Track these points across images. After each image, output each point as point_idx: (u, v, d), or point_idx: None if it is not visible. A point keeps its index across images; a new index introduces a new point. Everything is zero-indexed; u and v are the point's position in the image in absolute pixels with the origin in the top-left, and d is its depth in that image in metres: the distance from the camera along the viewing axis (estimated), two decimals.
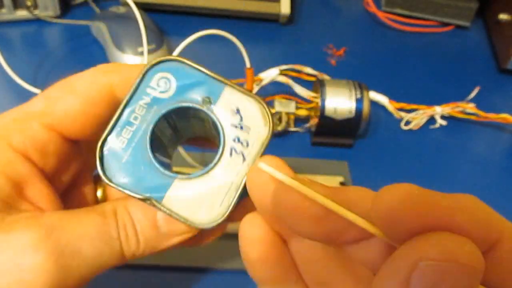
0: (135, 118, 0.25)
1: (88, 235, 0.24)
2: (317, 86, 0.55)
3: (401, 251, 0.15)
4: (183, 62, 0.25)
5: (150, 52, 0.58)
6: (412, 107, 0.59)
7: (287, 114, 0.54)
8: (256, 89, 0.57)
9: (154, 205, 0.25)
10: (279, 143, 0.55)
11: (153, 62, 0.25)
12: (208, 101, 0.25)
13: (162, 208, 0.25)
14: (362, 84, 0.53)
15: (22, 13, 0.64)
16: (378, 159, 0.55)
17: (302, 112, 0.55)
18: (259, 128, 0.25)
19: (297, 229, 0.19)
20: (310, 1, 0.76)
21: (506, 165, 0.56)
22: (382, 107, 0.59)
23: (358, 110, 0.52)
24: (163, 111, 0.25)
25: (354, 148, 0.56)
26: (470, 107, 0.58)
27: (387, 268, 0.15)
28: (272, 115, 0.25)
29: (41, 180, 0.26)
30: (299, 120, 0.56)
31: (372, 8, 0.72)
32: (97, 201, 0.31)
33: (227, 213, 0.25)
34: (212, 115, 0.25)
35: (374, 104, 0.59)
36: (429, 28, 0.73)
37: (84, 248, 0.24)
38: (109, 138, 0.25)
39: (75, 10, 0.68)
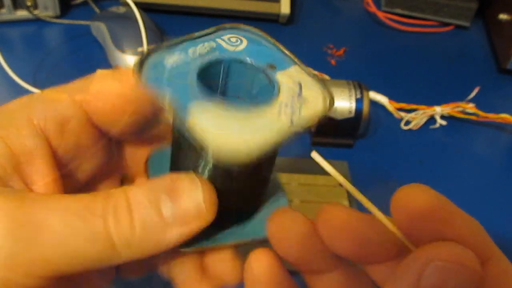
0: (193, 53, 0.23)
1: (61, 209, 0.20)
2: None
3: (415, 254, 0.18)
4: (261, 36, 0.25)
5: None
6: (412, 107, 0.59)
7: None
8: None
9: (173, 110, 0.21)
10: None
11: (231, 25, 0.25)
12: (272, 67, 0.24)
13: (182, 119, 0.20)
14: (362, 84, 0.53)
15: (22, 13, 0.64)
16: (378, 159, 0.55)
17: None
18: (316, 103, 0.23)
19: (338, 248, 0.21)
20: (310, 1, 0.76)
21: (506, 165, 0.56)
22: (382, 107, 0.59)
23: (358, 110, 0.52)
24: (224, 56, 0.24)
25: (354, 148, 0.56)
26: (470, 107, 0.58)
27: (402, 268, 0.18)
28: (333, 104, 0.23)
29: (46, 160, 0.23)
30: None
31: (372, 8, 0.72)
32: None
33: (256, 154, 0.20)
34: (271, 74, 0.23)
35: (374, 104, 0.59)
36: (429, 28, 0.73)
37: (51, 221, 0.20)
38: (154, 54, 0.22)
39: (75, 10, 0.68)
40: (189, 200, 0.21)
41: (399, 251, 0.20)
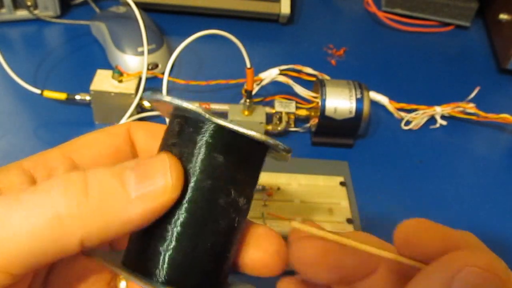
0: None
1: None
2: (317, 86, 0.55)
3: (451, 255, 0.19)
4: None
5: (150, 52, 0.58)
6: (412, 107, 0.59)
7: (287, 114, 0.54)
8: (256, 89, 0.57)
9: None
10: None
11: None
12: None
13: None
14: (362, 84, 0.53)
15: (22, 13, 0.64)
16: (378, 159, 0.55)
17: (302, 112, 0.55)
18: None
19: (318, 279, 0.23)
20: (310, 1, 0.76)
21: (506, 165, 0.56)
22: (382, 107, 0.59)
23: (358, 110, 0.52)
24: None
25: (354, 148, 0.55)
26: (470, 107, 0.58)
27: (435, 266, 0.19)
28: None
29: None
30: (299, 120, 0.56)
31: (372, 8, 0.72)
32: None
33: None
34: None
35: (374, 104, 0.59)
36: (429, 28, 0.73)
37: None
38: None
39: (75, 10, 0.68)
40: (156, 173, 0.20)
41: (375, 267, 0.22)
